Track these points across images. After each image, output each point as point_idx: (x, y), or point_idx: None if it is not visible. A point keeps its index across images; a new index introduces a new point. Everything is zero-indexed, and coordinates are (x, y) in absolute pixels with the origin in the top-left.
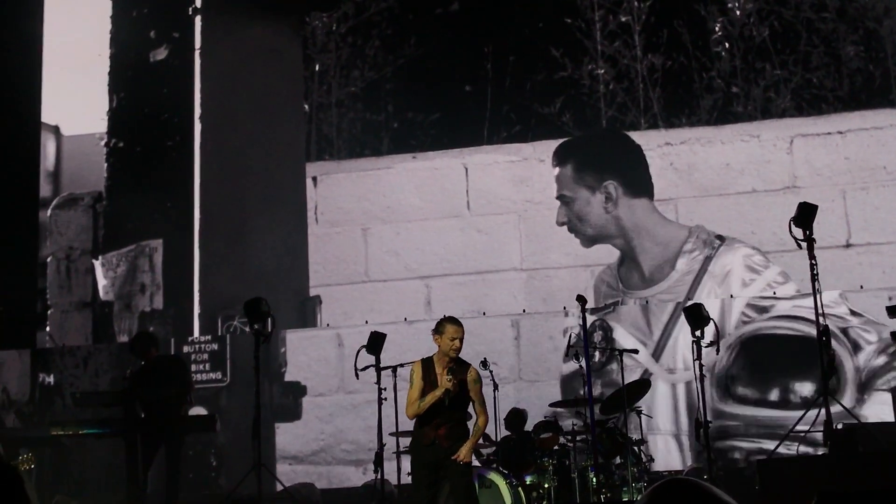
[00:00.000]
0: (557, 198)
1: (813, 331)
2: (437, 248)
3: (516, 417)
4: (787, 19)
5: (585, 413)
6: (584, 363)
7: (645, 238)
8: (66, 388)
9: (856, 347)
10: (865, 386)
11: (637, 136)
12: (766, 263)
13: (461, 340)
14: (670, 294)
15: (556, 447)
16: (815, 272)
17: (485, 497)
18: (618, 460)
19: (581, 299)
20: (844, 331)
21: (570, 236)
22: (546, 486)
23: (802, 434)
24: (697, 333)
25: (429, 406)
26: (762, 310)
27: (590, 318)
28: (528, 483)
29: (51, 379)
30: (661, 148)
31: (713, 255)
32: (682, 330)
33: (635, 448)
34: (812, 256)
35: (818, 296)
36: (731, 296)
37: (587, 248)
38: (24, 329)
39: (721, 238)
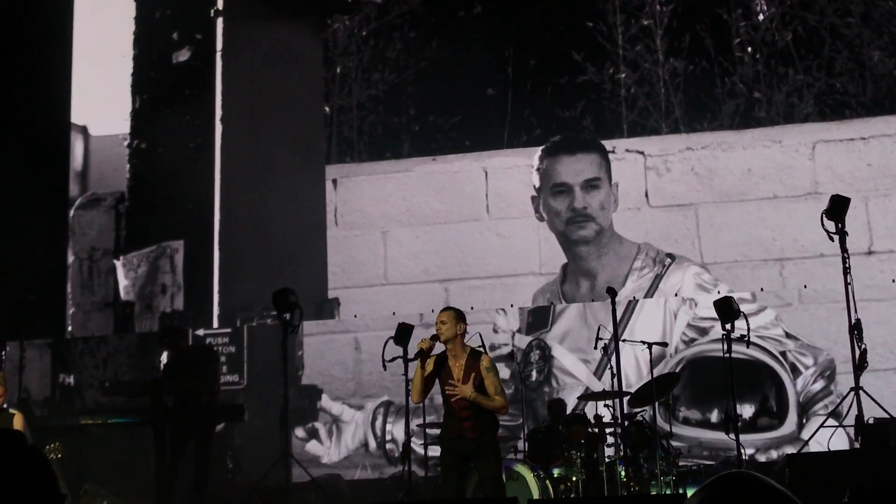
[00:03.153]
0: (588, 180)
1: (757, 354)
2: (456, 251)
3: (558, 406)
4: (811, 24)
5: (613, 406)
6: (612, 357)
7: (610, 251)
8: (86, 389)
9: (794, 370)
10: (805, 410)
11: (658, 141)
12: (714, 282)
13: (442, 323)
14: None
15: (583, 440)
16: (846, 265)
17: (512, 489)
18: (646, 453)
19: (611, 291)
20: (783, 354)
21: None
22: (574, 478)
23: (834, 426)
24: (728, 326)
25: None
26: (702, 331)
27: (527, 339)
28: (555, 476)
29: (70, 379)
30: (682, 153)
31: (663, 273)
32: (626, 349)
33: (663, 441)
34: (844, 249)
35: (849, 287)
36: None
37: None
38: (52, 321)
39: (671, 256)
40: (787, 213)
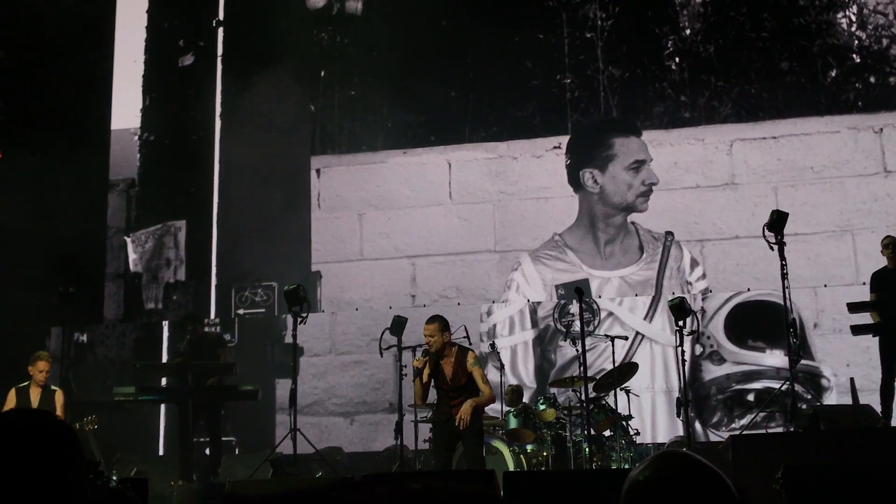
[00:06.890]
0: (635, 162)
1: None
2: (423, 231)
3: (516, 393)
4: (730, 38)
5: (580, 391)
6: (579, 346)
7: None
8: (97, 346)
9: None
10: None
11: None
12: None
13: (430, 337)
14: (639, 275)
15: (553, 420)
16: (784, 271)
17: (490, 463)
18: (608, 433)
19: (578, 291)
20: None
21: (537, 223)
22: (544, 454)
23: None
24: (680, 323)
25: (432, 389)
26: (708, 290)
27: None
28: (528, 451)
29: (84, 338)
30: None
31: (670, 246)
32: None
33: (623, 423)
34: (783, 258)
35: (787, 291)
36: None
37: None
38: (93, 306)
39: (671, 234)
40: (708, 201)
